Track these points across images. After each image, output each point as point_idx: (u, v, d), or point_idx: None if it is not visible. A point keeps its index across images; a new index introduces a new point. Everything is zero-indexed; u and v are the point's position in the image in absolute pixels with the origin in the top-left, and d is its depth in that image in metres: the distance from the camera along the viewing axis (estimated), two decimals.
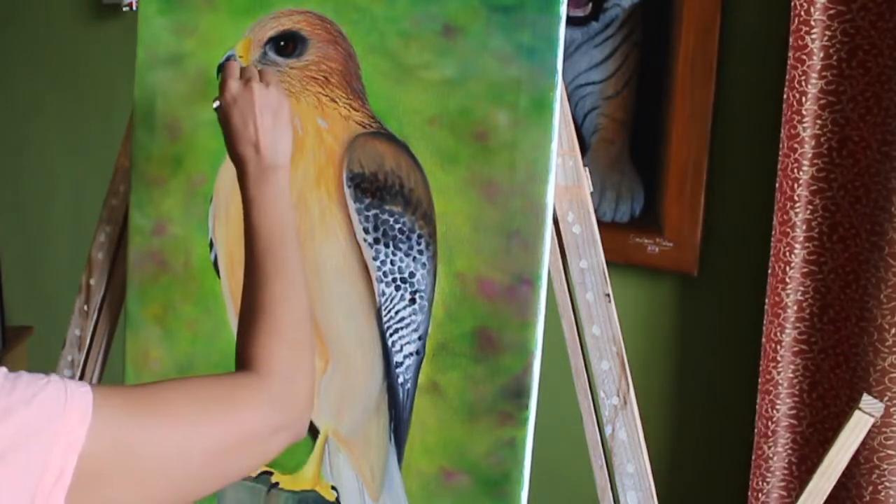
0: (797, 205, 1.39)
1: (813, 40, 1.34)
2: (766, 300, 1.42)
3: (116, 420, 0.71)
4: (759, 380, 1.45)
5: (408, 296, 1.13)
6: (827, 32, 1.34)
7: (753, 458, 1.47)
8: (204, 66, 1.21)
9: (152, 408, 0.74)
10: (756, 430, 1.47)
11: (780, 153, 1.38)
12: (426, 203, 1.11)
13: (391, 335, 1.14)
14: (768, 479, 1.48)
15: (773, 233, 1.40)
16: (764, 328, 1.43)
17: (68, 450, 0.67)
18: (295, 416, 0.86)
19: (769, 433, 1.46)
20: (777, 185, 1.39)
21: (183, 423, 0.75)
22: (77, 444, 0.67)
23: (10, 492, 0.64)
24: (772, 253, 1.40)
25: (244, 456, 0.81)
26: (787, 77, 1.36)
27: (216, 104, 1.01)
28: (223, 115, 1.00)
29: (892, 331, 1.32)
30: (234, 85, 0.99)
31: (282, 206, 0.96)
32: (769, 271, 1.42)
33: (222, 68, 1.02)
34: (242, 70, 1.02)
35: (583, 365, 1.11)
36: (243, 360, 0.88)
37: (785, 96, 1.37)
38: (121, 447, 0.70)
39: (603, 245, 1.09)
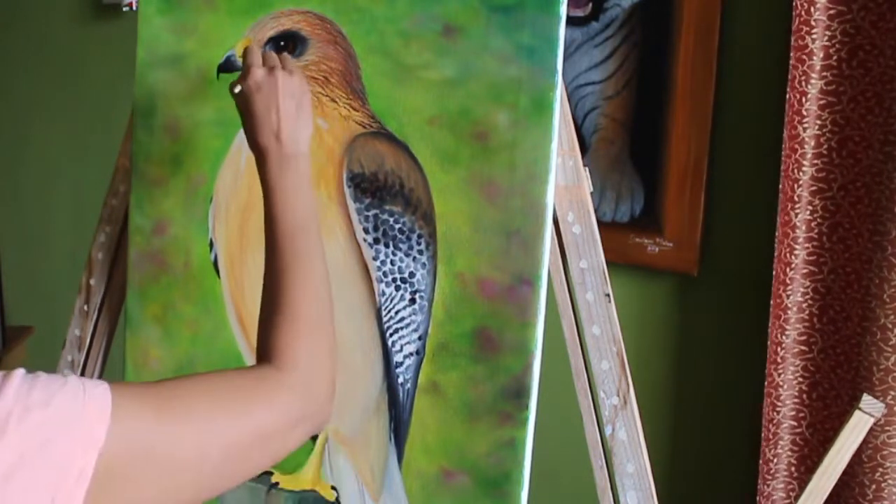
0: (797, 205, 1.39)
1: (813, 40, 1.34)
2: (771, 302, 1.42)
3: (136, 419, 0.70)
4: (765, 382, 1.45)
5: (408, 296, 1.13)
6: (827, 32, 1.34)
7: (761, 461, 1.47)
8: (204, 66, 1.21)
9: (171, 406, 0.73)
10: (763, 436, 1.47)
11: (783, 154, 1.38)
12: (426, 203, 1.11)
13: (391, 335, 1.14)
14: (769, 482, 1.48)
15: (776, 234, 1.40)
16: (769, 330, 1.43)
17: (88, 449, 0.67)
18: (315, 407, 0.85)
19: (770, 435, 1.46)
20: (781, 186, 1.39)
21: (202, 420, 0.75)
22: (97, 444, 0.67)
23: (31, 492, 0.64)
24: (775, 255, 1.40)
25: (265, 450, 0.80)
26: (787, 77, 1.36)
27: (237, 89, 1.00)
28: (244, 102, 0.98)
29: None
30: (258, 72, 0.98)
31: (303, 195, 0.95)
32: (773, 273, 1.42)
33: (245, 53, 1.01)
34: (265, 56, 1.00)
35: (583, 365, 1.11)
36: (263, 352, 0.87)
37: (787, 96, 1.37)
38: (140, 446, 0.70)
39: (603, 245, 1.09)
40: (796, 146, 1.37)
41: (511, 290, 1.08)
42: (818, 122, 1.37)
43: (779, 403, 1.45)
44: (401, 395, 1.14)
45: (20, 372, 0.68)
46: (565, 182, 1.09)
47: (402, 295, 1.13)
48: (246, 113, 0.99)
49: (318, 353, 0.88)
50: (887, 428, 1.34)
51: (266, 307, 0.90)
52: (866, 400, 1.06)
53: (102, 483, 0.67)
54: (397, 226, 1.13)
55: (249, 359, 1.21)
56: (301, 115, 0.99)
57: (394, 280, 1.13)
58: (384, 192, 1.13)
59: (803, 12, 1.33)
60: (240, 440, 0.77)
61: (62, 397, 0.67)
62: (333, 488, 1.18)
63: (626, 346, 1.09)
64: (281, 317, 0.88)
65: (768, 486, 1.48)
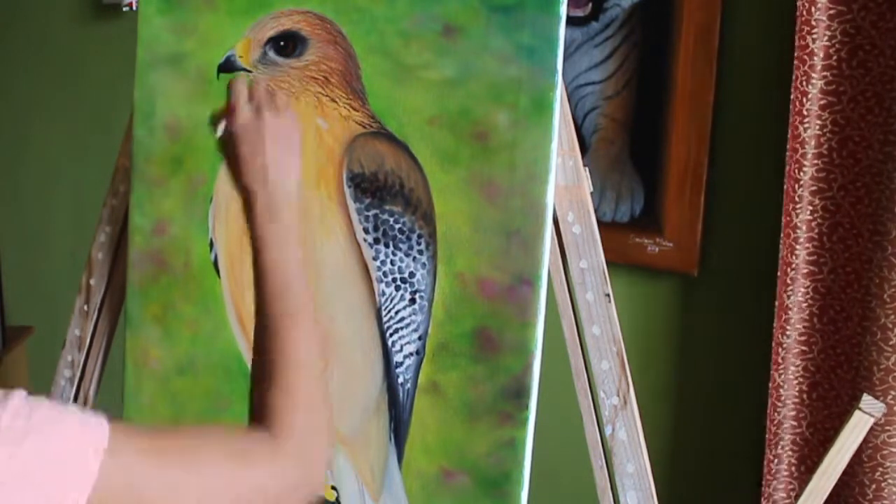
0: (798, 205, 1.39)
1: (814, 40, 1.34)
2: (776, 302, 1.42)
3: (131, 461, 0.70)
4: (769, 384, 1.45)
5: (408, 296, 1.13)
6: (827, 32, 1.34)
7: (763, 461, 1.47)
8: (204, 66, 1.21)
9: (166, 455, 0.73)
10: (767, 437, 1.47)
11: (786, 154, 1.38)
12: (426, 203, 1.11)
13: (391, 335, 1.14)
14: (770, 482, 1.48)
15: (781, 234, 1.40)
16: (773, 331, 1.43)
17: (82, 483, 0.66)
18: (310, 476, 0.85)
19: (771, 435, 1.46)
20: (785, 187, 1.39)
21: (197, 474, 0.74)
22: (90, 478, 0.66)
23: None
24: (780, 255, 1.40)
25: None
26: (790, 77, 1.36)
27: (220, 131, 0.93)
28: (229, 143, 0.92)
29: None
30: (244, 114, 0.91)
31: (290, 252, 0.91)
32: (778, 273, 1.42)
33: (229, 88, 0.93)
34: (251, 92, 0.93)
35: (583, 365, 1.11)
36: (259, 415, 0.86)
37: (790, 96, 1.36)
38: (133, 490, 0.69)
39: (603, 245, 1.09)
40: (797, 146, 1.37)
41: (511, 290, 1.08)
42: (818, 122, 1.37)
43: (779, 404, 1.45)
44: (401, 395, 1.14)
45: (21, 393, 0.67)
46: (565, 182, 1.09)
47: (402, 295, 1.13)
48: (230, 156, 0.93)
49: (312, 420, 0.87)
50: (887, 428, 1.35)
51: (260, 365, 0.88)
52: (866, 400, 1.06)
53: None
54: (397, 226, 1.13)
55: (249, 358, 1.21)
56: (290, 159, 0.93)
57: (394, 280, 1.13)
58: (384, 192, 1.13)
59: (804, 12, 1.33)
60: (232, 499, 0.76)
61: (61, 427, 0.67)
62: (333, 488, 1.18)
63: (626, 346, 1.09)
64: (275, 380, 0.86)
65: (769, 486, 1.48)
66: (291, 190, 0.92)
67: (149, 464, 0.71)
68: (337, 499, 1.18)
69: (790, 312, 1.43)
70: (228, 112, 0.92)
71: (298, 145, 0.95)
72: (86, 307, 1.32)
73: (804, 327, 1.44)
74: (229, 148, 0.93)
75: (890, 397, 1.33)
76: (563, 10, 1.06)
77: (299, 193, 0.93)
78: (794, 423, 1.47)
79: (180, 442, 0.75)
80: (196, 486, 0.74)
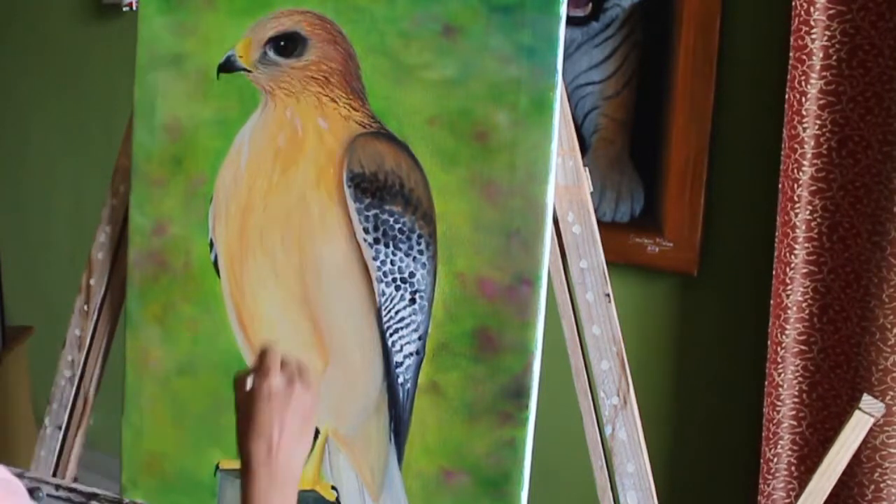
0: (797, 205, 1.39)
1: (813, 40, 1.34)
2: (771, 301, 1.42)
3: None
4: (765, 382, 1.45)
5: (408, 296, 1.13)
6: (827, 32, 1.34)
7: (762, 461, 1.47)
8: (204, 66, 1.21)
9: None
10: (763, 435, 1.47)
11: (782, 154, 1.38)
12: (426, 203, 1.11)
13: (391, 335, 1.14)
14: (769, 481, 1.48)
15: (776, 234, 1.40)
16: (769, 330, 1.43)
17: None
18: None
19: (770, 435, 1.46)
20: (780, 186, 1.39)
21: None
22: None
23: None
24: (775, 255, 1.40)
25: None
26: (787, 77, 1.36)
27: (248, 386, 0.90)
28: (248, 405, 0.90)
29: (895, 330, 1.32)
30: (276, 381, 0.89)
31: None
32: (773, 273, 1.42)
33: (263, 355, 0.91)
34: (284, 363, 0.92)
35: (583, 365, 1.11)
36: None
37: (786, 96, 1.37)
38: None
39: (603, 245, 1.09)
40: (796, 146, 1.37)
41: (511, 290, 1.08)
42: (818, 122, 1.37)
43: (779, 403, 1.45)
44: (401, 395, 1.14)
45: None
46: (565, 182, 1.09)
47: (402, 295, 1.13)
48: (244, 416, 0.90)
49: None
50: (886, 428, 1.35)
51: None
52: (866, 400, 1.06)
53: None
54: (397, 226, 1.13)
55: (249, 358, 1.21)
56: (303, 435, 0.90)
57: (394, 280, 1.13)
58: (384, 192, 1.13)
59: (803, 12, 1.33)
60: None
61: None
62: (333, 488, 1.18)
63: (626, 346, 1.09)
64: None
65: (768, 485, 1.48)
66: (298, 466, 0.90)
67: None
68: (337, 499, 1.18)
69: (789, 312, 1.43)
70: (259, 373, 0.91)
71: (313, 422, 0.93)
72: (86, 307, 1.32)
73: (804, 327, 1.44)
74: (245, 406, 0.91)
75: (888, 397, 1.33)
76: (563, 10, 1.06)
77: (300, 473, 0.91)
78: (794, 423, 1.47)
79: None
80: None
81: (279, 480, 0.88)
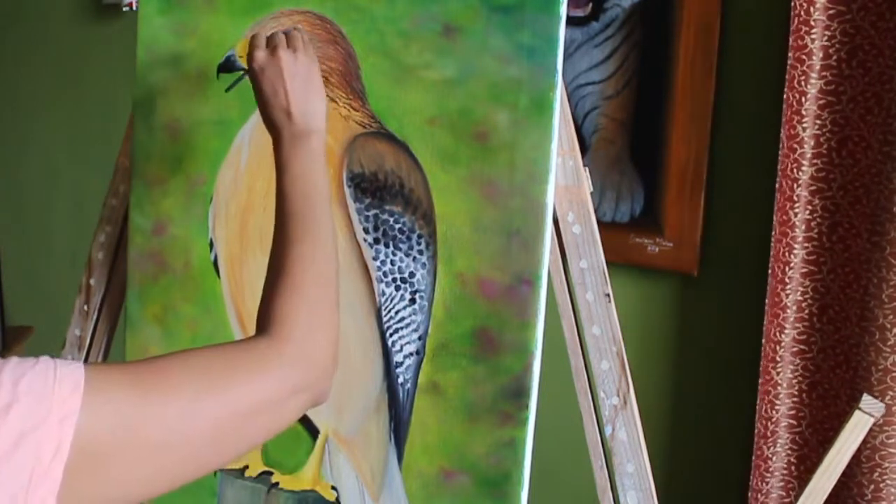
0: (797, 205, 1.39)
1: (813, 40, 1.34)
2: (766, 300, 1.42)
3: (114, 393, 0.68)
4: (759, 380, 1.45)
5: (408, 296, 1.13)
6: (827, 32, 1.34)
7: (754, 458, 1.47)
8: (204, 66, 1.21)
9: (152, 381, 0.71)
10: (756, 431, 1.47)
11: (780, 153, 1.39)
12: (426, 203, 1.11)
13: (391, 335, 1.14)
14: (767, 480, 1.48)
15: (773, 233, 1.40)
16: (764, 328, 1.43)
17: (64, 422, 0.65)
18: (314, 376, 0.81)
19: (768, 433, 1.46)
20: (777, 185, 1.40)
21: (186, 395, 0.72)
22: (72, 416, 0.65)
23: (7, 468, 0.63)
24: (771, 253, 1.40)
25: (257, 424, 0.77)
26: (786, 77, 1.36)
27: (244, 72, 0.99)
28: (254, 83, 0.99)
29: (894, 330, 1.32)
30: (260, 55, 0.98)
31: (314, 172, 0.93)
32: (769, 272, 1.42)
33: (251, 39, 1.01)
34: (269, 38, 1.00)
35: (583, 365, 1.11)
36: (260, 322, 0.83)
37: (785, 96, 1.37)
38: (121, 422, 0.67)
39: (603, 245, 1.09)
40: (795, 146, 1.38)
41: (511, 290, 1.08)
42: (818, 121, 1.37)
43: (777, 402, 1.45)
44: (401, 394, 1.14)
45: (10, 365, 0.67)
46: (565, 182, 1.09)
47: (402, 295, 1.13)
48: (256, 94, 0.99)
49: (318, 324, 0.83)
50: (886, 428, 1.35)
51: (269, 279, 0.86)
52: (866, 400, 1.06)
53: (82, 461, 0.65)
54: (397, 226, 1.13)
55: None
56: (310, 91, 0.97)
57: (394, 280, 1.13)
58: (384, 192, 1.13)
59: (802, 12, 1.33)
60: (230, 413, 0.74)
61: (32, 374, 0.66)
62: (333, 488, 1.18)
63: (626, 346, 1.09)
64: (281, 287, 0.83)
65: (766, 483, 1.48)
66: (317, 119, 0.97)
67: (134, 397, 0.69)
68: (337, 499, 1.18)
69: (788, 311, 1.43)
70: (249, 57, 1.00)
71: (318, 78, 0.99)
72: (86, 307, 1.32)
73: (803, 327, 1.44)
74: (254, 87, 0.99)
75: (888, 397, 1.33)
76: (563, 10, 1.06)
77: (326, 126, 0.98)
78: (794, 423, 1.47)
79: (165, 370, 0.72)
80: (184, 416, 0.71)
81: (299, 135, 0.95)
